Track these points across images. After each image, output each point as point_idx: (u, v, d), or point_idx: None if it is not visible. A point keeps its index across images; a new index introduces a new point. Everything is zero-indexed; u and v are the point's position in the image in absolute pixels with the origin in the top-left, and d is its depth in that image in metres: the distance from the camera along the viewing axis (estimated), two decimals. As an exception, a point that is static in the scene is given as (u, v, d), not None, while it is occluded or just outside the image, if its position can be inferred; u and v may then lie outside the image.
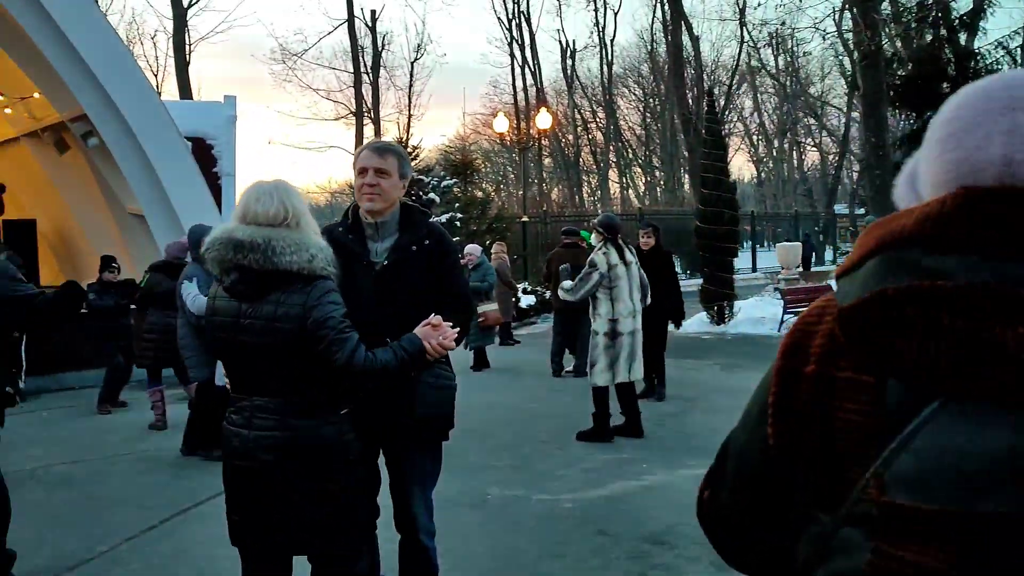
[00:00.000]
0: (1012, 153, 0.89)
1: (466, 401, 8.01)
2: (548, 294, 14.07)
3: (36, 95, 11.70)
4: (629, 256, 6.92)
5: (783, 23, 31.10)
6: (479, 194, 25.33)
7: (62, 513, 5.27)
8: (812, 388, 0.93)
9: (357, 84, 33.35)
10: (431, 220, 3.20)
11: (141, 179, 10.90)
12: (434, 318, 2.82)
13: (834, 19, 25.10)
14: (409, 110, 35.49)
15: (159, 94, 31.43)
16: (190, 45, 31.56)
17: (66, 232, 14.22)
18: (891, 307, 0.87)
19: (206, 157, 12.51)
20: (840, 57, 33.52)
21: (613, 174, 47.68)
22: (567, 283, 6.98)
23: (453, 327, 2.84)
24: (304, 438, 2.62)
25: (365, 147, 3.11)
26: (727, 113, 37.04)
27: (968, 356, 0.83)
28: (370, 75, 34.14)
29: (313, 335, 2.56)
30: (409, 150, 20.05)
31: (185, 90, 29.85)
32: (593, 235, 7.14)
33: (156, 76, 35.74)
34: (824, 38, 35.10)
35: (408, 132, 31.56)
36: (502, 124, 23.46)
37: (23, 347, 9.00)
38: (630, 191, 47.84)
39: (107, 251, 9.93)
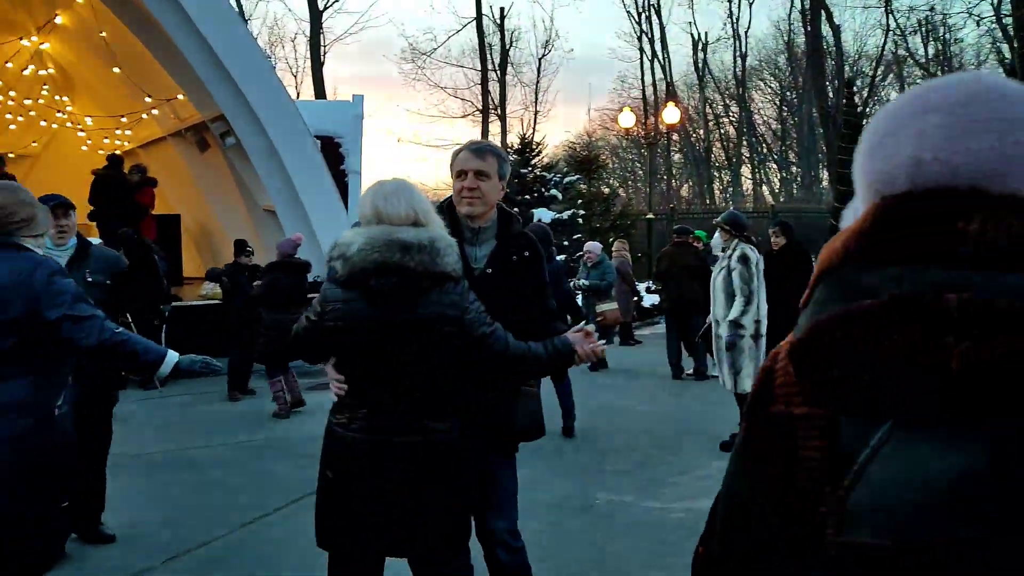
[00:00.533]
0: (920, 153, 0.87)
1: (580, 402, 8.01)
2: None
3: (180, 96, 12.44)
4: (756, 256, 6.66)
5: (932, 8, 29.29)
6: (604, 190, 25.13)
7: (185, 496, 5.54)
8: (777, 428, 0.91)
9: (484, 81, 33.79)
10: (523, 228, 3.18)
11: (273, 177, 11.40)
12: (587, 326, 2.89)
13: (992, 2, 23.39)
14: (535, 106, 35.67)
15: (297, 95, 32.97)
16: (325, 46, 32.82)
17: (206, 227, 15.08)
18: (825, 335, 0.85)
19: (334, 155, 12.97)
20: (998, 44, 31.22)
21: (746, 170, 46.33)
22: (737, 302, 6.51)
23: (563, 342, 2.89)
24: (434, 442, 2.64)
25: (463, 148, 3.06)
26: (870, 106, 35.23)
27: (903, 376, 0.79)
28: (497, 72, 34.52)
29: (471, 334, 2.62)
30: (533, 146, 20.09)
31: (320, 90, 31.07)
32: (719, 233, 6.89)
33: (295, 77, 37.38)
34: (979, 24, 32.81)
35: (534, 129, 31.74)
36: (628, 120, 23.16)
37: (164, 332, 9.62)
38: (763, 188, 46.34)
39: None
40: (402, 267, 2.57)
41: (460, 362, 2.67)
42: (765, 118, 46.34)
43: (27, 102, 14.80)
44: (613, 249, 13.19)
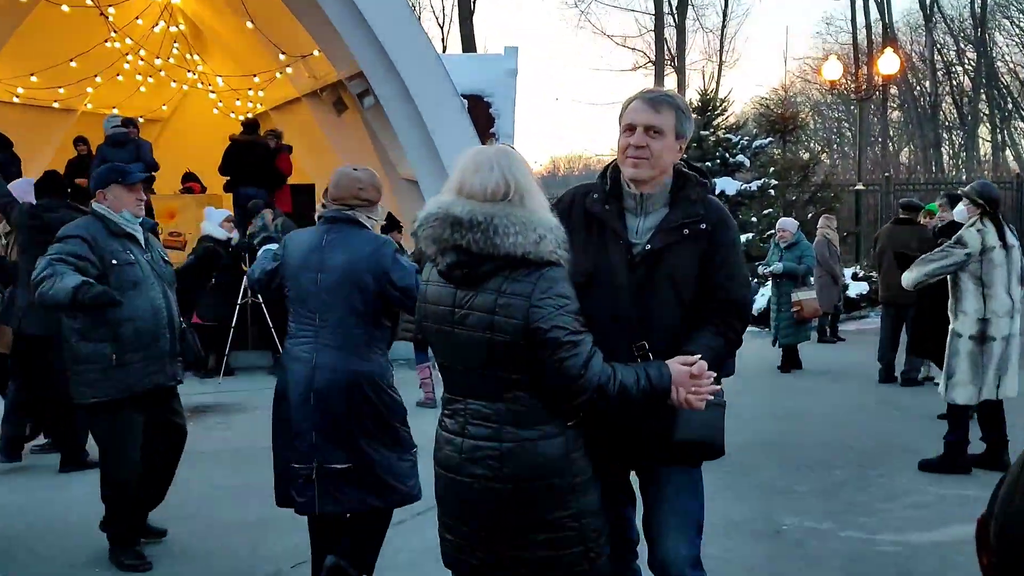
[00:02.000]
0: None
1: (766, 408, 7.85)
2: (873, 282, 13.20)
3: (316, 52, 13.04)
4: (1011, 238, 6.23)
5: None
6: (804, 155, 24.31)
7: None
8: None
9: (659, 27, 33.38)
10: (711, 194, 2.99)
11: (415, 141, 11.75)
12: (697, 365, 2.67)
13: None
14: (720, 56, 34.89)
15: (444, 48, 33.62)
16: (475, -7, 33.31)
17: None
18: None
19: (483, 116, 13.22)
20: None
21: (984, 130, 43.43)
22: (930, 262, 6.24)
23: (717, 354, 2.75)
24: (521, 452, 2.59)
25: (635, 97, 2.92)
26: None
27: None
28: (675, 16, 33.99)
29: (538, 336, 2.53)
30: (717, 104, 19.70)
31: (468, 43, 31.61)
32: (963, 205, 6.55)
33: (441, 28, 38.26)
34: None
35: (717, 83, 31.06)
36: (834, 70, 22.26)
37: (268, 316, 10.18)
38: (1007, 151, 43.31)
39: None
40: (456, 246, 2.59)
41: (539, 364, 2.58)
42: (1012, 66, 43.13)
43: (157, 62, 15.92)
44: (818, 227, 12.79)
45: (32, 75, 14.56)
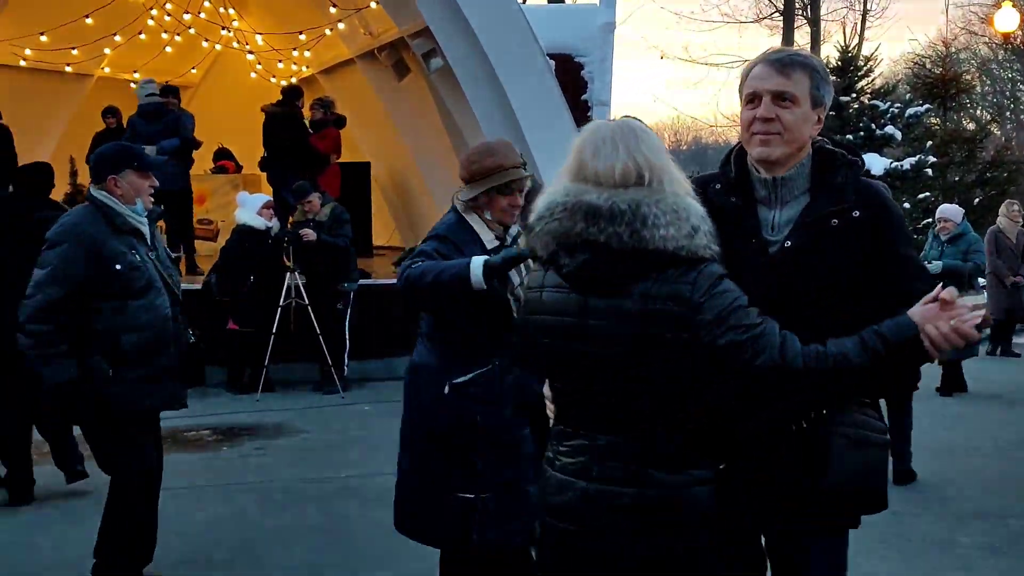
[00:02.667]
0: None
1: (923, 440, 7.67)
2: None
3: (373, 4, 13.18)
4: None
5: None
6: (969, 126, 23.74)
7: (376, 537, 5.92)
8: None
9: (789, -31, 32.89)
10: (864, 175, 2.92)
11: (491, 110, 11.78)
12: (947, 292, 2.55)
13: None
14: (863, 5, 34.20)
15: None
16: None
17: (401, 177, 15.90)
18: None
19: (574, 80, 13.19)
20: None
21: None
22: None
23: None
24: (667, 498, 2.56)
25: (758, 60, 2.89)
26: None
27: None
28: (809, -46, 33.46)
29: (710, 347, 2.52)
30: (860, 63, 19.38)
31: (557, -11, 31.58)
32: None
33: (521, -28, 38.19)
34: None
35: (860, 37, 30.47)
36: (1009, 19, 21.65)
37: (347, 324, 10.33)
38: None
39: (446, 200, 10.90)
40: (590, 241, 2.58)
41: (695, 381, 2.57)
42: None
43: (186, 17, 16.28)
44: (1001, 214, 12.53)
45: (42, 34, 14.99)
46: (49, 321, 4.63)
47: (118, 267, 4.69)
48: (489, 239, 4.08)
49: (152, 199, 5.00)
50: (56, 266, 4.66)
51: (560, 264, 2.66)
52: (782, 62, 2.83)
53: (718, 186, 2.93)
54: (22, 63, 15.80)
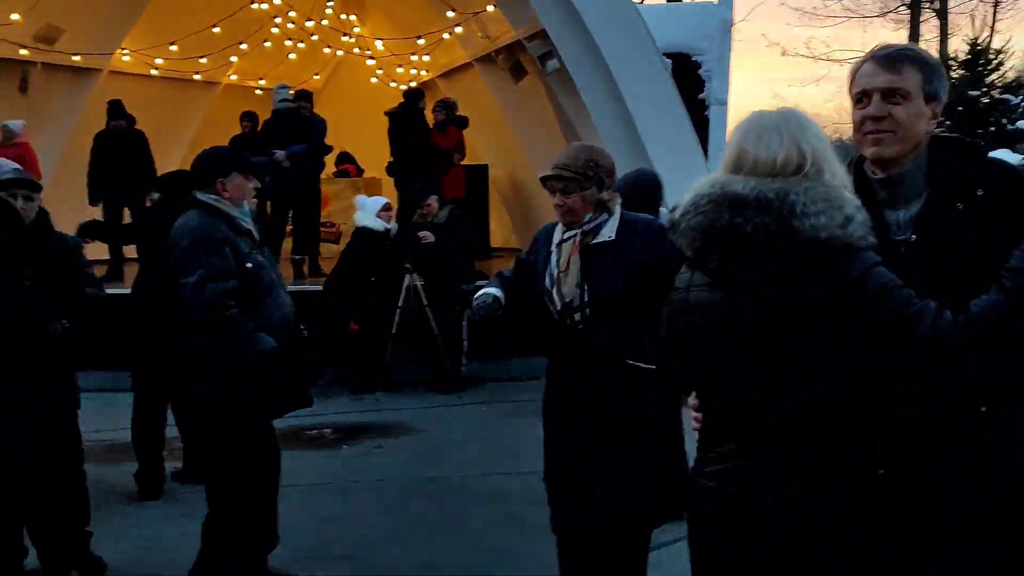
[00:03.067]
0: None
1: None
2: None
3: (490, 8, 13.24)
4: None
5: None
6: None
7: (488, 536, 5.95)
8: None
9: (915, -40, 32.01)
10: (987, 156, 2.84)
11: (606, 111, 11.72)
12: None
13: None
14: (996, -6, 33.09)
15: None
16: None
17: (518, 179, 15.93)
18: None
19: (691, 79, 13.04)
20: None
21: None
22: None
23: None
24: (813, 511, 2.50)
25: (865, 59, 2.82)
26: None
27: None
28: (935, -55, 32.52)
29: (871, 319, 2.45)
30: (990, 56, 18.75)
31: (673, -12, 31.31)
32: None
33: (638, -28, 37.96)
34: None
35: (992, 29, 29.50)
36: None
37: (465, 326, 10.37)
38: None
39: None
40: (736, 234, 2.53)
41: (860, 370, 2.49)
42: None
43: (308, 24, 16.61)
44: None
45: (172, 44, 15.47)
46: (227, 308, 4.55)
47: (249, 265, 4.68)
48: (557, 237, 4.27)
49: (255, 200, 5.01)
50: (211, 263, 4.57)
51: (706, 261, 2.62)
52: (890, 58, 2.76)
53: None
54: (154, 72, 16.33)
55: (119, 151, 12.35)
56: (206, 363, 4.64)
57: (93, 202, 12.45)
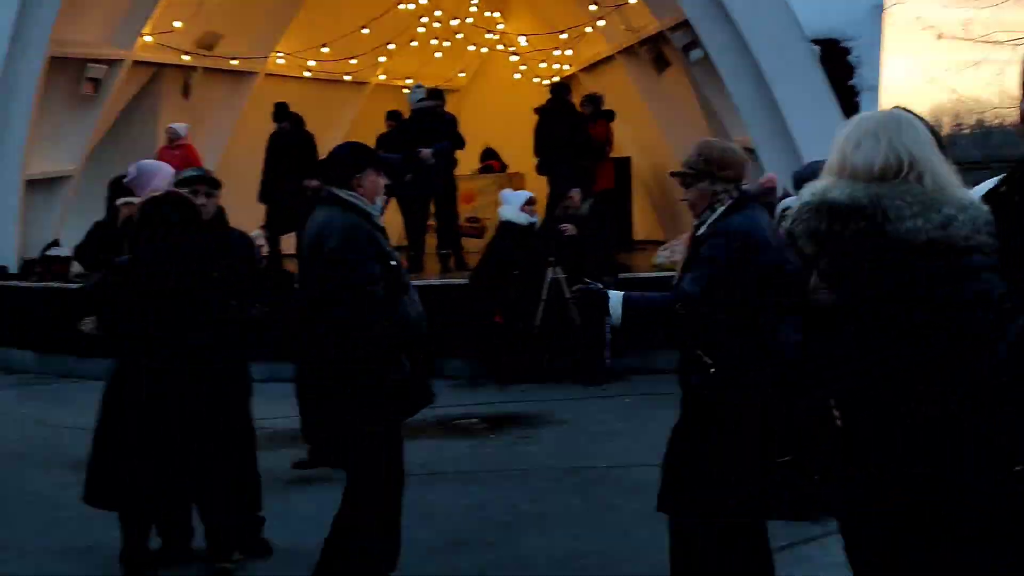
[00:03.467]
0: None
1: None
2: None
3: (632, 0, 13.20)
4: None
5: None
6: None
7: (633, 528, 5.93)
8: None
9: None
10: None
11: (752, 100, 11.56)
12: None
13: None
14: None
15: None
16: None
17: (662, 171, 15.80)
18: None
19: (840, 65, 12.71)
20: None
21: None
22: None
23: None
24: (831, 508, 2.63)
25: None
26: None
27: None
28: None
29: (957, 325, 2.45)
30: None
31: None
32: None
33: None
34: None
35: None
36: None
37: (607, 319, 10.34)
38: None
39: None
40: (836, 240, 2.55)
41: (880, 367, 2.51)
42: None
43: (454, 23, 16.83)
44: None
45: (324, 46, 15.89)
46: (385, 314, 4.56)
47: (393, 263, 4.69)
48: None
49: (385, 197, 5.02)
50: (364, 263, 4.54)
51: (818, 265, 2.64)
52: None
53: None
54: (307, 74, 16.80)
55: (286, 152, 12.72)
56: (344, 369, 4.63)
57: (261, 200, 12.82)
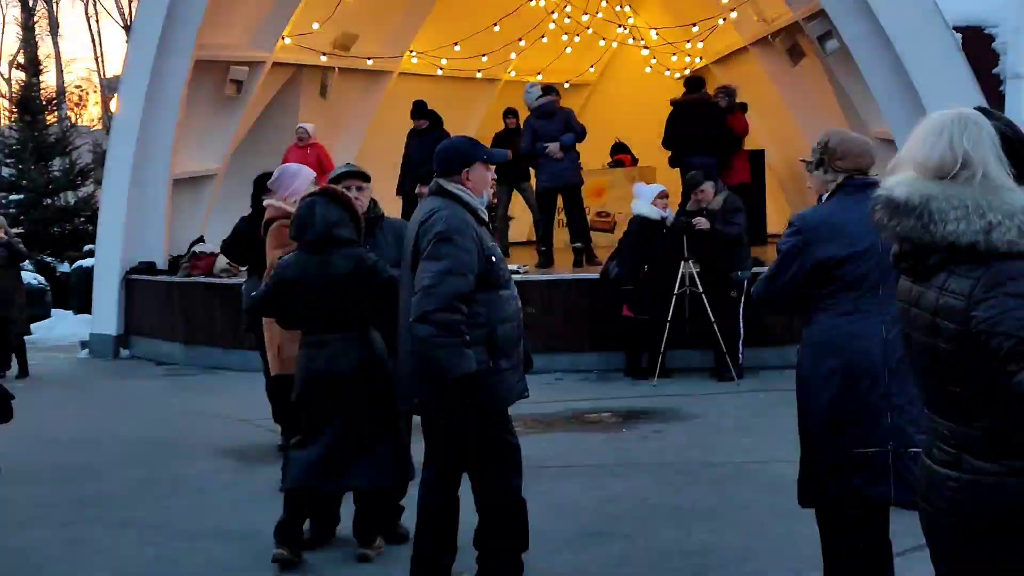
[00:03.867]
0: None
1: None
2: None
3: (766, -9, 13.05)
4: None
5: None
6: None
7: (770, 522, 5.89)
8: None
9: None
10: None
11: (892, 92, 11.33)
12: None
13: None
14: None
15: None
16: None
17: (798, 164, 15.52)
18: None
19: (984, 53, 12.37)
20: None
21: None
22: None
23: None
24: (980, 488, 2.52)
25: None
26: None
27: None
28: None
29: (981, 343, 2.44)
30: None
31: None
32: None
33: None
34: None
35: None
36: None
37: (741, 313, 10.26)
38: None
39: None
40: (896, 236, 2.61)
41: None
42: None
43: (584, 18, 16.85)
44: None
45: (456, 44, 16.10)
46: (458, 311, 4.54)
47: (494, 258, 4.72)
48: None
49: (493, 191, 5.12)
50: (457, 257, 4.56)
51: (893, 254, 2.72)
52: None
53: None
54: (439, 72, 17.05)
55: (419, 149, 12.94)
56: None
57: (399, 193, 13.09)
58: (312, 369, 5.38)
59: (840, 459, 4.17)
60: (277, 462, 7.13)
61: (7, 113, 29.58)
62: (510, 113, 14.43)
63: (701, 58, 17.42)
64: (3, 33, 42.86)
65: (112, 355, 13.41)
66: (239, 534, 6.05)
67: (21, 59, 32.01)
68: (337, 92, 16.03)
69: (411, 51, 16.63)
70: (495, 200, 15.31)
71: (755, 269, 10.59)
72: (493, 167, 5.01)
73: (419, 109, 13.42)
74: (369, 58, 15.96)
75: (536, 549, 5.38)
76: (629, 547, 5.66)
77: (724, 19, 15.12)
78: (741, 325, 10.27)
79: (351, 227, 5.38)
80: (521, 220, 15.24)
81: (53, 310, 17.42)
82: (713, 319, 9.95)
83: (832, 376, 4.17)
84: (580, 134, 12.26)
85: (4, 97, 35.97)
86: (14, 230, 15.61)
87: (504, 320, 4.70)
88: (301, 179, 6.34)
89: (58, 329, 16.28)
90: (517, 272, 11.64)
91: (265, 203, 6.55)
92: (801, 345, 4.35)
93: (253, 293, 7.13)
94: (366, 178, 5.93)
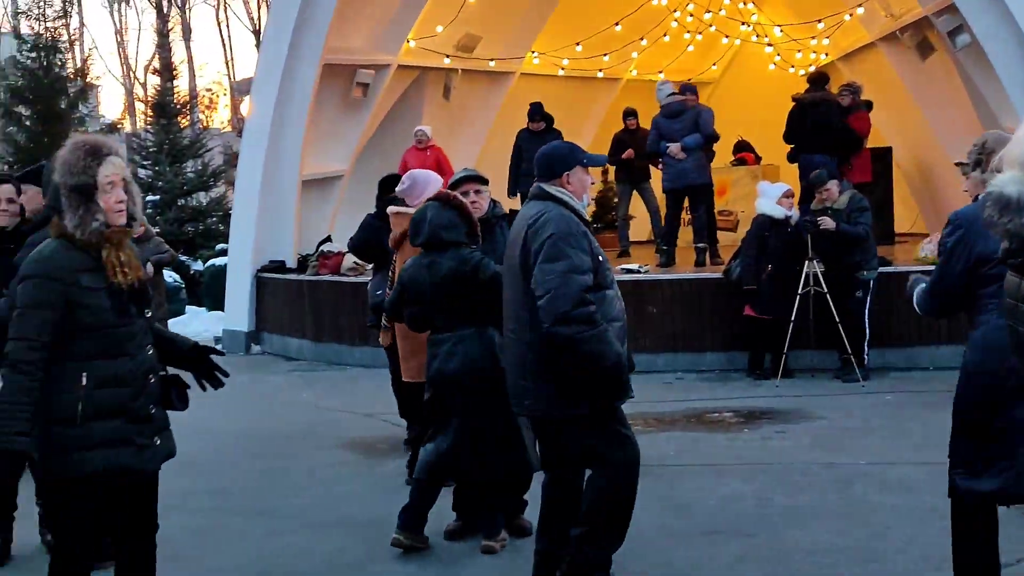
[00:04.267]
0: None
1: None
2: None
3: (892, -14, 12.82)
4: None
5: None
6: None
7: (896, 523, 5.84)
8: None
9: None
10: None
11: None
12: None
13: None
14: None
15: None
16: None
17: (926, 161, 15.25)
18: None
19: (1125, 45, 11.96)
20: None
21: None
22: None
23: None
24: None
25: None
26: None
27: None
28: None
29: None
30: None
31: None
32: None
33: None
34: None
35: None
36: None
37: (867, 313, 10.10)
38: None
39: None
40: (1007, 233, 2.65)
41: None
42: None
43: (706, 16, 16.77)
44: None
45: (577, 44, 16.19)
46: (590, 302, 4.59)
47: (601, 258, 4.78)
48: None
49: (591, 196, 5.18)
50: (576, 256, 4.63)
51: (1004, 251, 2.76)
52: None
53: None
54: (560, 72, 17.16)
55: (527, 151, 13.08)
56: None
57: (511, 195, 13.22)
58: (431, 368, 5.63)
59: None
60: (403, 456, 7.37)
61: (144, 117, 30.61)
62: (630, 113, 14.43)
63: (827, 54, 17.17)
64: (139, 40, 44.57)
65: (244, 351, 13.85)
66: (365, 523, 6.25)
67: (156, 64, 33.25)
68: (460, 93, 16.27)
69: (533, 52, 16.77)
70: (616, 200, 15.40)
71: (882, 269, 10.45)
72: (592, 170, 5.06)
73: (538, 111, 13.55)
74: (491, 59, 16.16)
75: (654, 546, 5.45)
76: (749, 546, 5.67)
77: (851, 15, 14.88)
78: (867, 325, 10.13)
79: (462, 230, 5.58)
80: (643, 219, 15.25)
81: (187, 307, 18.03)
82: (838, 319, 9.83)
83: (1010, 375, 4.15)
84: (708, 136, 12.15)
85: (142, 101, 37.34)
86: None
87: (612, 320, 4.75)
88: (432, 186, 6.53)
89: (192, 326, 16.87)
90: (638, 271, 11.70)
91: (392, 210, 6.73)
92: (969, 348, 4.23)
93: (378, 291, 7.41)
94: (484, 181, 6.16)
